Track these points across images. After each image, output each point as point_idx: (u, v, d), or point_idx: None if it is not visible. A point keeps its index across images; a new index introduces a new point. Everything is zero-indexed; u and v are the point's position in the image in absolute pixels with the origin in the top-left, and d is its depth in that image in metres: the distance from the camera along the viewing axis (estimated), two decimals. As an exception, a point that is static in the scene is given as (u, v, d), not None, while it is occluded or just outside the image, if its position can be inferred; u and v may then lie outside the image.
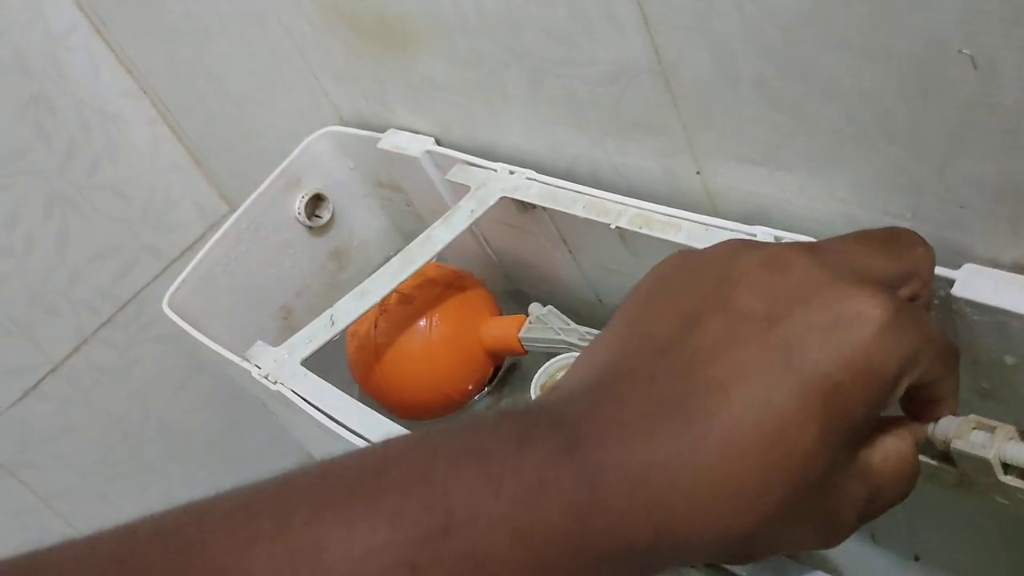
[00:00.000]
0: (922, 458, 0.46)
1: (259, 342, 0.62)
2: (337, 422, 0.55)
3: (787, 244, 0.34)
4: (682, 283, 0.33)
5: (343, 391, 0.57)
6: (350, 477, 0.29)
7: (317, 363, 0.61)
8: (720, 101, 0.49)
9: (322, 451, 0.71)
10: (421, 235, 0.64)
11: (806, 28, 0.42)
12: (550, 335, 0.66)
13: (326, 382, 0.58)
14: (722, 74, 0.47)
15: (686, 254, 0.35)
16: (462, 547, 0.27)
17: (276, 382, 0.59)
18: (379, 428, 0.54)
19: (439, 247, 0.62)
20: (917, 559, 0.67)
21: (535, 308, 0.69)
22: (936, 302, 0.46)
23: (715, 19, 0.45)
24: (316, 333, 0.61)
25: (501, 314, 0.73)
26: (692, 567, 0.34)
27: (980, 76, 0.38)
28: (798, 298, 0.30)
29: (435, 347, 0.69)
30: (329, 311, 0.62)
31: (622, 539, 0.29)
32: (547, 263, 0.70)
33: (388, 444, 0.30)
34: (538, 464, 0.29)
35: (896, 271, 0.34)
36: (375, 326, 0.69)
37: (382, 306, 0.69)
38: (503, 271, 0.77)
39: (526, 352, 0.68)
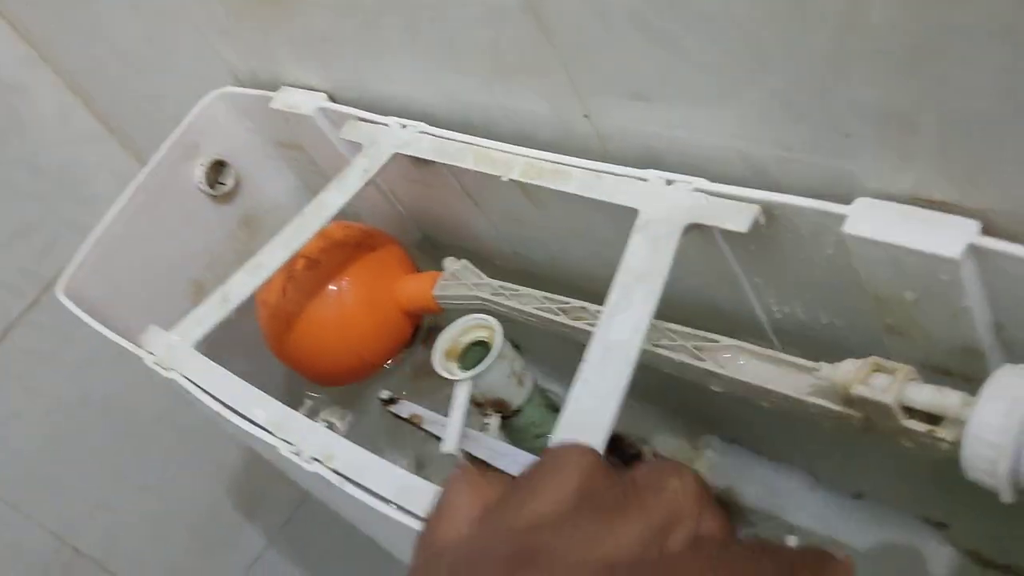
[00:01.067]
0: (827, 404, 0.43)
1: (152, 326, 0.59)
2: (231, 409, 0.53)
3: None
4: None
5: (258, 364, 0.55)
6: None
7: (230, 337, 0.58)
8: (595, 37, 0.45)
9: (225, 433, 0.68)
10: (314, 200, 0.60)
11: (667, -46, 0.38)
12: (463, 291, 0.63)
13: (219, 366, 0.55)
14: (591, 8, 0.44)
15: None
16: None
17: (169, 369, 0.56)
18: (274, 413, 0.51)
19: (332, 211, 0.59)
20: (859, 496, 0.65)
21: (449, 263, 0.66)
22: (832, 239, 0.43)
23: (574, -50, 0.41)
24: (209, 313, 0.58)
25: (418, 270, 0.70)
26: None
27: (847, -4, 0.34)
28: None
29: (348, 310, 0.66)
30: (222, 288, 0.59)
31: None
32: (457, 217, 0.67)
33: None
34: None
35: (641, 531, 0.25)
36: (284, 294, 0.66)
37: (289, 272, 0.66)
38: (417, 226, 0.74)
39: (442, 310, 0.65)
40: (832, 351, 0.48)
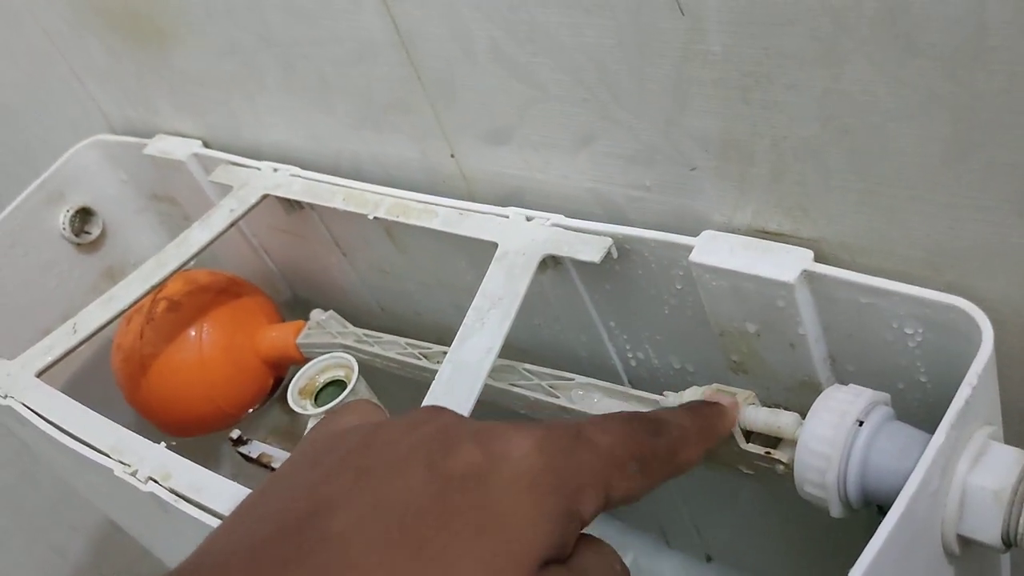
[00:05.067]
0: (672, 433, 0.44)
1: (-9, 356, 0.57)
2: (70, 435, 0.50)
3: (442, 411, 0.28)
4: (324, 450, 0.28)
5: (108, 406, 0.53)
6: None
7: (88, 383, 0.55)
8: (460, 72, 0.47)
9: (61, 467, 0.64)
10: (178, 237, 0.59)
11: (527, -15, 0.41)
12: (327, 339, 0.63)
13: (61, 393, 0.53)
14: (457, 41, 0.46)
15: (337, 425, 0.30)
16: None
17: (6, 396, 0.54)
18: (114, 439, 0.49)
19: (195, 249, 0.58)
20: (709, 560, 0.66)
21: (316, 314, 0.65)
22: (680, 273, 0.45)
23: (443, -18, 0.43)
24: (56, 343, 0.56)
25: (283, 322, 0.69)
26: None
27: (688, 23, 0.37)
28: (429, 445, 0.26)
29: (207, 357, 0.64)
30: (72, 319, 0.57)
31: None
32: (325, 270, 0.67)
33: None
34: None
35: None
36: (141, 336, 0.64)
37: (148, 315, 0.64)
38: (287, 283, 0.73)
39: (305, 359, 0.64)
40: (683, 397, 0.49)
